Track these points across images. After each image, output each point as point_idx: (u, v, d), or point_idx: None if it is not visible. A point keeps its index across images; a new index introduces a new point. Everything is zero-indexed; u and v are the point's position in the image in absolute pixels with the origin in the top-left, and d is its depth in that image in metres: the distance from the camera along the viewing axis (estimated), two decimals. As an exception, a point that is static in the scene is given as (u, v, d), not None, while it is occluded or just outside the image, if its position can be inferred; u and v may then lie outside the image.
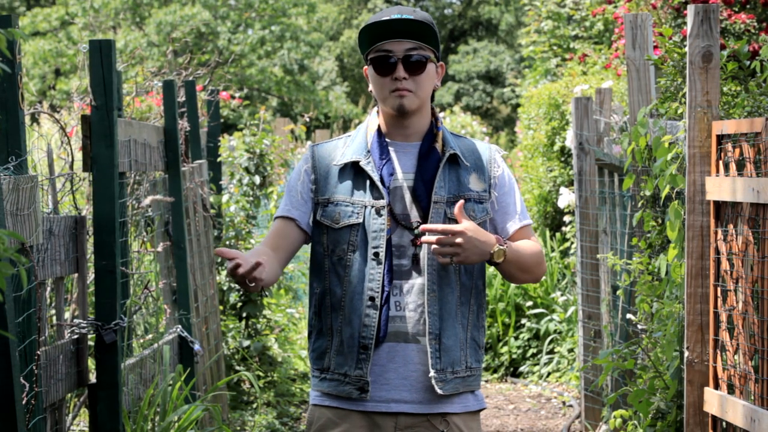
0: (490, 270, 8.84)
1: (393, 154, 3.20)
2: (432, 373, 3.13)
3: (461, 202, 3.09)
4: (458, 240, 3.04)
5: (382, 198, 3.15)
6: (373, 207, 3.15)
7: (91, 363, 4.72)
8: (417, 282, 3.15)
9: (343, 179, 3.19)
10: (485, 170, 3.23)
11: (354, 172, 3.19)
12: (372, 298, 3.12)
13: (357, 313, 3.13)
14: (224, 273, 7.77)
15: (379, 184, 3.15)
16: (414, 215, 3.16)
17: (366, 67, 3.22)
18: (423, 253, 3.14)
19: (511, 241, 3.21)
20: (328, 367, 3.19)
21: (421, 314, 3.14)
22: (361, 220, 3.15)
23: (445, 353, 3.14)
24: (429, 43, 3.17)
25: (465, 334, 3.19)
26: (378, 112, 3.25)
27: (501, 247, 3.11)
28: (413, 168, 3.19)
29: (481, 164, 3.24)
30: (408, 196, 3.17)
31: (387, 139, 3.21)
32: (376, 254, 3.13)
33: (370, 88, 3.22)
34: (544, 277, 9.70)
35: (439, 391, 3.13)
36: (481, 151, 3.26)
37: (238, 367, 7.58)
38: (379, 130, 3.22)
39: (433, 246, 3.06)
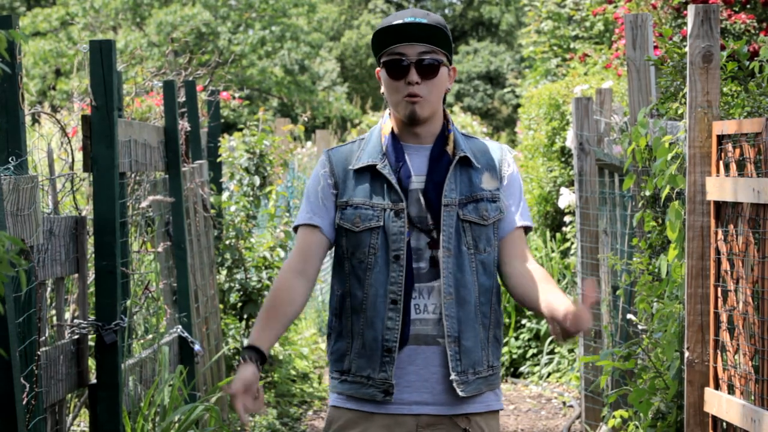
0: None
1: (407, 157, 3.20)
2: (453, 376, 3.13)
3: (593, 284, 3.14)
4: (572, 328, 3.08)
5: (401, 201, 3.14)
6: (392, 210, 3.14)
7: (91, 363, 4.72)
8: (435, 285, 3.14)
9: (360, 182, 3.18)
10: (497, 169, 3.24)
11: (371, 175, 3.18)
12: (394, 301, 3.12)
13: (379, 316, 3.12)
14: (224, 273, 7.77)
15: (396, 186, 3.15)
16: (428, 218, 3.16)
17: (378, 69, 3.21)
18: (439, 256, 3.14)
19: (508, 240, 3.23)
20: (348, 370, 3.17)
21: (440, 317, 3.13)
22: (381, 223, 3.14)
23: (465, 355, 3.14)
24: (442, 46, 3.16)
25: (486, 333, 3.19)
26: (390, 114, 3.25)
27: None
28: (425, 171, 3.19)
29: (493, 164, 3.25)
30: (422, 199, 3.17)
31: (401, 142, 3.21)
32: (397, 257, 3.12)
33: (382, 90, 3.21)
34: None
35: (462, 394, 3.13)
36: (493, 151, 3.27)
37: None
38: (392, 132, 3.22)
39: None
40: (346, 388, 3.18)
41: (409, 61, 3.13)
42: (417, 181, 3.18)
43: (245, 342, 7.61)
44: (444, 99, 3.25)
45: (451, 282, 3.14)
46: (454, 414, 3.16)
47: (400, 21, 3.14)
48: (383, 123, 3.25)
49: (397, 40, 3.14)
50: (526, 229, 3.28)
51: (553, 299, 3.11)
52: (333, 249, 3.25)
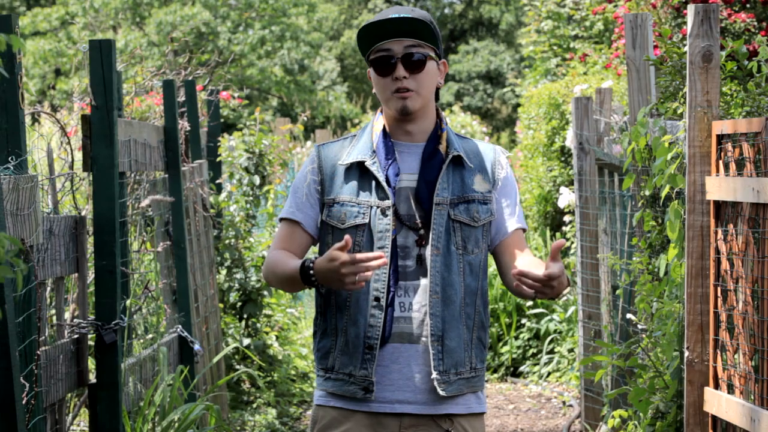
0: (491, 270, 8.84)
1: (398, 155, 3.20)
2: (435, 375, 3.13)
3: (561, 241, 3.01)
4: (553, 284, 3.00)
5: (388, 198, 3.14)
6: (378, 207, 3.14)
7: (91, 363, 4.72)
8: (421, 283, 3.14)
9: (348, 179, 3.19)
10: (489, 171, 3.24)
11: (359, 172, 3.19)
12: (377, 299, 3.12)
13: (362, 313, 3.13)
14: (224, 272, 7.77)
15: (384, 184, 3.15)
16: (417, 216, 3.16)
17: (369, 69, 3.22)
18: (427, 254, 3.14)
19: (508, 243, 3.22)
20: (332, 367, 3.18)
21: (425, 315, 3.14)
22: (366, 221, 3.15)
23: (448, 355, 3.14)
24: (429, 40, 3.16)
25: (470, 335, 3.19)
26: (382, 111, 3.25)
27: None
28: (417, 169, 3.19)
29: (485, 165, 3.24)
30: (412, 198, 3.17)
31: (392, 140, 3.21)
32: None
33: (374, 90, 3.22)
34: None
35: (442, 393, 3.13)
36: (486, 153, 3.26)
37: (238, 367, 7.58)
38: (384, 130, 3.22)
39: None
40: (330, 385, 3.19)
41: (395, 56, 3.14)
42: (407, 180, 3.18)
43: (246, 342, 7.62)
44: (437, 95, 3.25)
45: (438, 281, 3.14)
46: (435, 414, 3.15)
47: (385, 17, 3.15)
48: (375, 120, 3.25)
49: (383, 37, 3.15)
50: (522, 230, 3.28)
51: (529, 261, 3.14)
52: (318, 246, 3.25)
